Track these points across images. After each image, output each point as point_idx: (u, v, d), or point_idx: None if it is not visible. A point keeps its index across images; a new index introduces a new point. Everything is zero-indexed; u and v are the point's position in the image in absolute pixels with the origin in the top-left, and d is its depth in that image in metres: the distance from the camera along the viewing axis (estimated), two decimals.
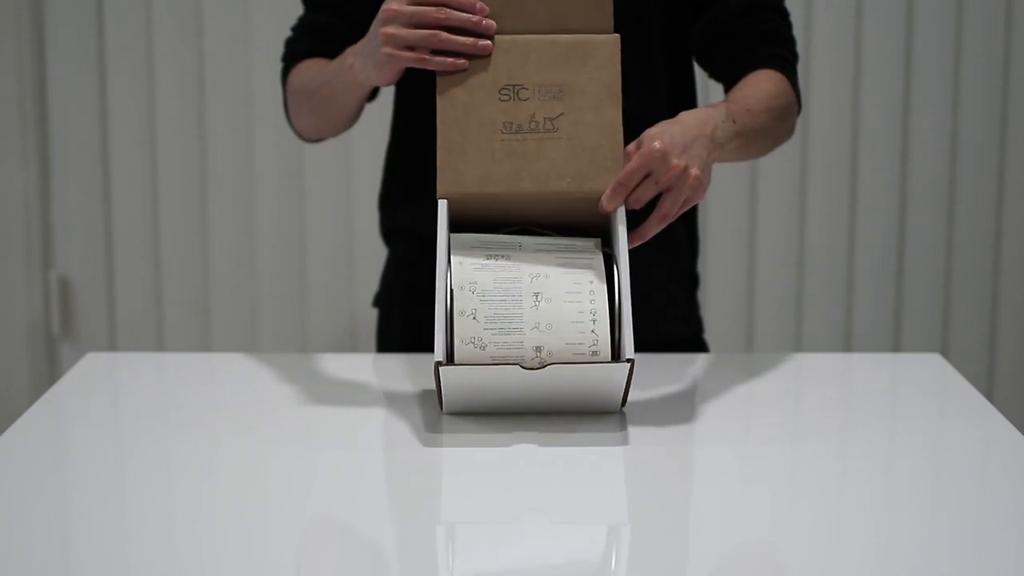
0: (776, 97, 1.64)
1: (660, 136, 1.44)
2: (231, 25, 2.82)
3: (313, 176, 2.85)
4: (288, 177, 2.86)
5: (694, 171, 1.44)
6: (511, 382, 1.40)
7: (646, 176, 1.44)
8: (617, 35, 1.49)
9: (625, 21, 1.58)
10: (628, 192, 1.44)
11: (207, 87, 2.84)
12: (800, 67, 2.80)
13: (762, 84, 1.64)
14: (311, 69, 1.72)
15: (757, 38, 1.70)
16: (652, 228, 1.46)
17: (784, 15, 1.74)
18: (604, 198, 1.44)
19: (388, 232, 1.83)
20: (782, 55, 1.70)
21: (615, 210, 1.45)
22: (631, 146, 1.46)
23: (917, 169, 2.89)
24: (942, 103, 2.87)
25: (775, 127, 1.64)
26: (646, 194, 1.44)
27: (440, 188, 1.46)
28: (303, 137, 1.82)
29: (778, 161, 2.87)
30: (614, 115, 1.47)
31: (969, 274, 2.93)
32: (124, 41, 2.82)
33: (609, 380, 1.40)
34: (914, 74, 2.86)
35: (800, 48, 2.80)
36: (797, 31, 2.81)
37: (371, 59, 1.52)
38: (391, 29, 1.48)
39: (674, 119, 1.49)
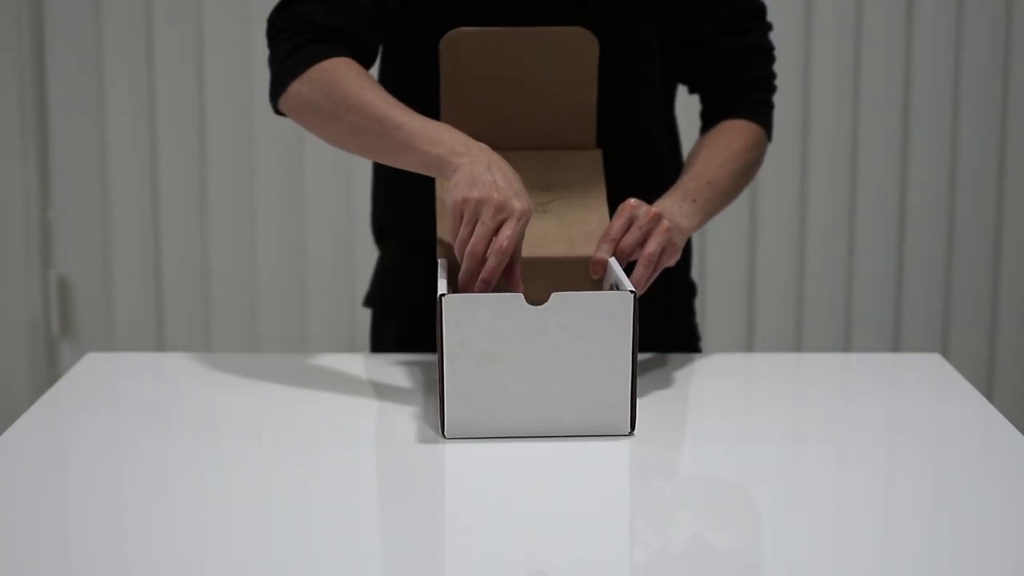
0: (742, 155, 1.70)
1: (632, 199, 1.55)
2: (231, 25, 2.82)
3: (313, 176, 2.85)
4: (288, 177, 2.86)
5: (666, 221, 1.53)
6: (514, 329, 1.39)
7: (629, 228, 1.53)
8: (599, 149, 1.63)
9: (626, 39, 1.67)
10: (615, 242, 1.52)
11: (207, 87, 2.84)
12: (800, 68, 2.83)
13: (731, 144, 1.70)
14: (378, 91, 1.55)
15: (744, 84, 1.75)
16: (641, 275, 1.51)
17: (766, 53, 1.77)
18: (594, 252, 1.53)
19: (380, 233, 1.82)
20: (763, 99, 1.76)
21: (604, 260, 1.52)
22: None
23: (917, 169, 2.89)
24: (942, 103, 2.87)
25: (740, 183, 1.71)
26: (631, 239, 1.52)
27: (440, 252, 1.54)
28: (278, 111, 1.65)
29: (778, 162, 2.87)
30: (600, 202, 1.60)
31: (969, 274, 2.93)
32: (124, 41, 2.82)
33: (613, 313, 1.40)
34: (914, 74, 2.86)
35: (800, 49, 2.84)
36: (797, 33, 2.84)
37: (493, 179, 1.45)
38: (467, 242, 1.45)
39: None
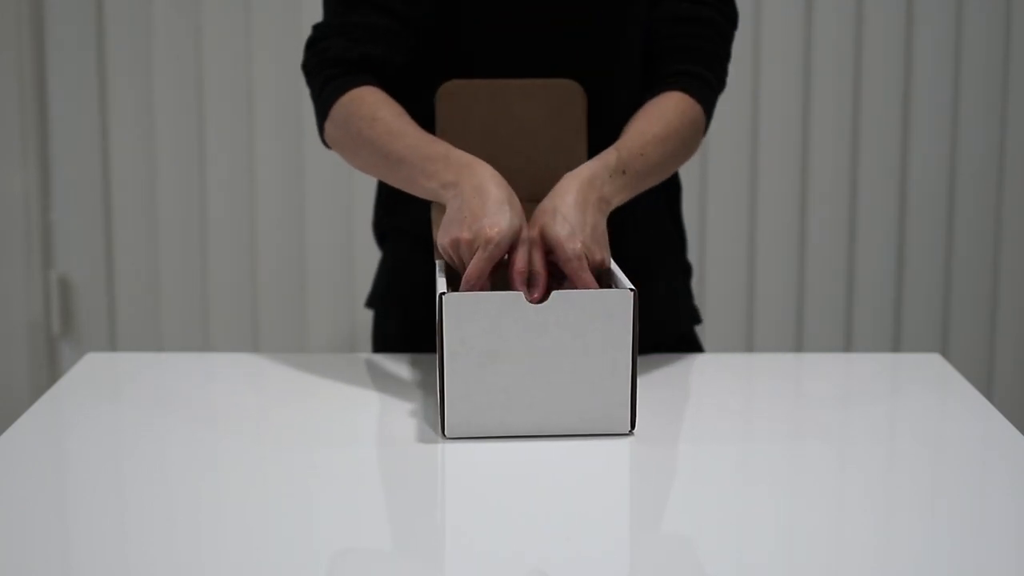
0: (677, 130, 1.62)
1: (562, 238, 1.45)
2: (231, 25, 2.82)
3: (313, 175, 2.86)
4: (288, 177, 2.86)
5: (604, 258, 1.47)
6: (514, 329, 1.39)
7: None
8: None
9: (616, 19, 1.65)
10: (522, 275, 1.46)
11: (207, 87, 2.84)
12: (800, 68, 2.83)
13: (666, 114, 1.62)
14: (387, 123, 1.57)
15: (675, 52, 1.67)
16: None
17: (717, 29, 1.69)
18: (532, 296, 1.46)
19: (382, 233, 1.83)
20: (695, 72, 1.66)
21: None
22: (535, 232, 1.47)
23: (917, 169, 2.90)
24: (942, 103, 2.87)
25: (672, 161, 1.63)
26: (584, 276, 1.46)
27: (436, 255, 1.53)
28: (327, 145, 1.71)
29: (778, 161, 2.87)
30: None
31: (969, 274, 2.93)
32: (124, 41, 2.82)
33: (613, 312, 1.40)
34: (914, 74, 2.87)
35: (800, 49, 2.84)
36: (797, 33, 2.84)
37: (461, 216, 1.45)
38: (460, 257, 1.45)
39: (559, 192, 1.49)
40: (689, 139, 1.64)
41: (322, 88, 1.63)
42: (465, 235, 1.43)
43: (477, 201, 1.45)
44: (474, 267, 1.42)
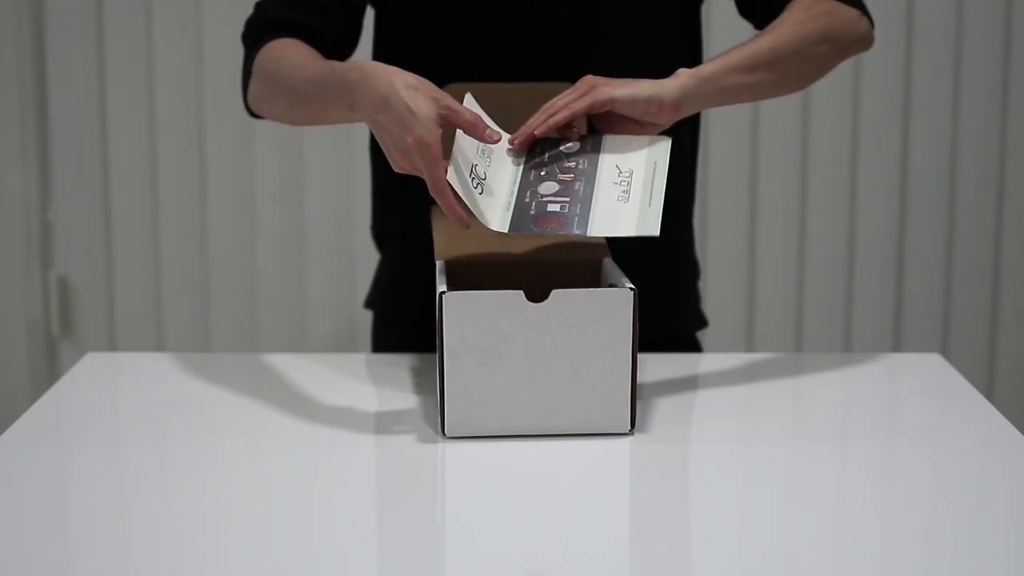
0: (802, 23, 1.59)
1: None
2: (231, 25, 2.82)
3: (313, 175, 2.86)
4: (288, 177, 2.86)
5: (603, 87, 1.49)
6: (512, 317, 1.40)
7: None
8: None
9: None
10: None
11: (207, 87, 2.84)
12: None
13: (784, 23, 1.60)
14: (293, 59, 1.58)
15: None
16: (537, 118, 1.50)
17: None
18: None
19: (380, 237, 1.83)
20: None
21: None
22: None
23: (917, 169, 2.90)
24: (942, 103, 2.87)
25: (791, 60, 1.59)
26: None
27: (437, 254, 1.52)
28: (253, 114, 1.70)
29: (778, 160, 2.87)
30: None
31: (969, 274, 2.93)
32: (124, 41, 2.82)
33: (613, 310, 1.40)
34: (914, 74, 2.86)
35: None
36: None
37: (390, 142, 1.43)
38: (409, 164, 1.43)
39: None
40: (817, 33, 1.59)
41: (249, 51, 1.66)
42: (404, 163, 1.41)
43: (383, 117, 1.42)
44: (429, 181, 1.40)
